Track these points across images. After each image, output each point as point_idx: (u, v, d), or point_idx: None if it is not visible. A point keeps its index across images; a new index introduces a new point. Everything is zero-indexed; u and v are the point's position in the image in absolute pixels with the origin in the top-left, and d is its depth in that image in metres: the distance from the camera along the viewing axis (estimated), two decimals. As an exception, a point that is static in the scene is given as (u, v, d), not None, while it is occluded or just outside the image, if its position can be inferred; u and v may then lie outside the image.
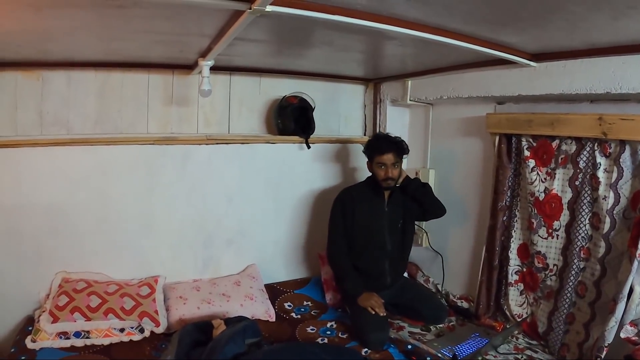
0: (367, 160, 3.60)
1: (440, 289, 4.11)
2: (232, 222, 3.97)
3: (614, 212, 2.81)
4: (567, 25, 2.25)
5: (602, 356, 2.67)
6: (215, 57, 2.93)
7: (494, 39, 2.61)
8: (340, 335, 3.38)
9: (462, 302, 3.89)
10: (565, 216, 3.13)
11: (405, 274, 4.02)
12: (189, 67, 3.57)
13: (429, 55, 3.19)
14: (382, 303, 3.36)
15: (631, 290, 2.62)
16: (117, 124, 3.58)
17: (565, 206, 3.12)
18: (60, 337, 2.99)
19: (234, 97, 3.98)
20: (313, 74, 4.17)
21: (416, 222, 3.93)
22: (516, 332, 3.37)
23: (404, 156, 3.56)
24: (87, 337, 3.04)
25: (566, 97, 2.99)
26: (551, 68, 2.92)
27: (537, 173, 3.23)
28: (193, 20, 2.26)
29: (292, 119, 3.93)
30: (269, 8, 1.85)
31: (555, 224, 3.16)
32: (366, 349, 3.14)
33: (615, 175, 2.78)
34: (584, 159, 2.96)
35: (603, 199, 2.84)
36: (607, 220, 2.82)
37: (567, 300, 3.07)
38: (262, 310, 3.58)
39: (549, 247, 3.21)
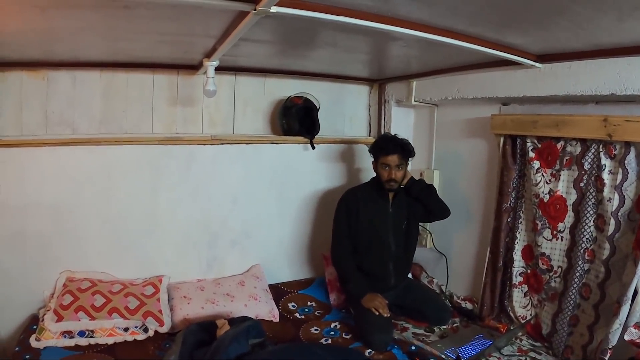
0: (372, 160, 3.60)
1: (444, 290, 4.11)
2: (236, 222, 3.97)
3: (619, 214, 2.80)
4: (572, 27, 2.24)
5: (606, 358, 2.66)
6: (220, 57, 2.93)
7: (498, 40, 2.60)
8: (344, 336, 3.38)
9: (466, 303, 3.89)
10: (569, 218, 3.12)
11: (410, 275, 4.02)
12: (194, 68, 3.57)
13: (433, 56, 3.18)
14: (386, 304, 3.36)
15: (635, 293, 2.61)
16: (122, 124, 3.59)
17: (569, 208, 3.11)
18: (65, 336, 3.00)
19: (239, 97, 3.99)
20: (318, 74, 4.17)
21: (420, 223, 3.92)
22: (520, 333, 3.36)
23: (410, 159, 3.56)
24: (92, 337, 3.05)
25: (571, 99, 2.98)
26: (556, 69, 2.92)
27: (542, 174, 3.22)
28: (198, 21, 2.26)
29: (297, 120, 3.93)
30: (273, 9, 1.85)
31: (560, 225, 3.15)
32: (370, 350, 3.14)
33: (620, 177, 2.76)
34: (589, 160, 2.95)
35: (608, 200, 2.83)
36: (612, 222, 2.81)
37: (571, 302, 3.06)
38: (266, 310, 3.58)
39: (554, 248, 3.21)
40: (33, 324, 3.14)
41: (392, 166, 3.42)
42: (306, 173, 4.21)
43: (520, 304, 3.48)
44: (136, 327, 3.17)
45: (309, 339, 3.33)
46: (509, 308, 3.53)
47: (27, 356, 2.85)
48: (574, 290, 3.04)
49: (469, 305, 3.85)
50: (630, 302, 2.61)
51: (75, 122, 3.45)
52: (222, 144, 3.82)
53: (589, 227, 2.98)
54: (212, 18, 2.21)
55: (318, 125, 4.04)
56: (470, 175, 3.97)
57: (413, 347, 3.19)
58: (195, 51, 3.04)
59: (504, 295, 3.59)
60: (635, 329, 2.62)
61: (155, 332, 3.20)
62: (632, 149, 2.71)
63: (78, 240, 3.42)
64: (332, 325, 3.52)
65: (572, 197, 3.09)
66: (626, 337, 2.62)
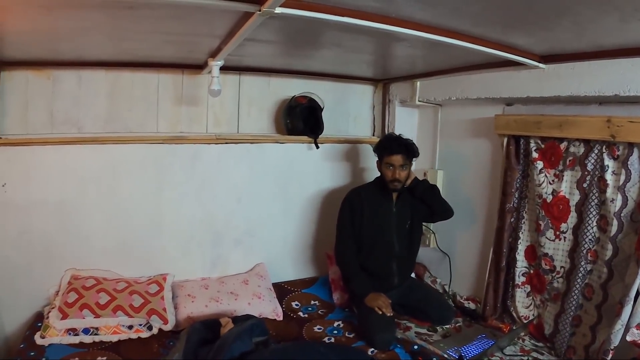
0: (376, 159, 3.61)
1: (447, 290, 4.11)
2: (240, 221, 3.99)
3: (622, 214, 2.80)
4: (576, 27, 2.25)
5: (608, 359, 2.66)
6: (225, 57, 2.93)
7: (502, 41, 2.60)
8: (347, 335, 3.39)
9: (469, 303, 3.89)
10: (572, 218, 3.12)
11: (413, 275, 4.02)
12: (199, 67, 3.57)
13: (437, 56, 3.19)
14: (389, 303, 3.37)
15: (638, 294, 2.61)
16: (127, 123, 3.60)
17: (572, 208, 3.11)
18: (69, 334, 3.02)
19: (244, 97, 3.99)
20: (322, 74, 4.18)
21: (424, 223, 3.92)
22: (522, 333, 3.36)
23: (414, 159, 3.56)
24: (96, 334, 3.06)
25: (575, 99, 2.98)
26: (560, 70, 2.91)
27: (545, 175, 3.23)
28: (203, 21, 2.27)
29: (301, 119, 3.94)
30: (278, 10, 1.86)
31: (563, 226, 3.16)
32: (373, 349, 3.15)
33: (623, 177, 2.77)
34: (592, 161, 2.95)
35: (611, 201, 2.83)
36: (615, 222, 2.81)
37: (574, 302, 3.06)
38: (269, 309, 3.59)
39: (557, 249, 3.21)
40: (38, 321, 3.16)
41: (396, 166, 3.42)
42: (310, 172, 4.22)
43: (523, 304, 3.48)
44: (140, 325, 3.18)
45: (312, 338, 3.34)
46: (512, 308, 3.54)
47: (32, 353, 2.86)
48: (576, 291, 3.05)
49: (472, 305, 3.86)
50: (632, 302, 2.61)
51: (80, 121, 3.47)
52: (226, 143, 3.83)
53: (592, 228, 2.98)
54: (217, 18, 2.22)
55: (322, 124, 4.05)
56: (473, 175, 3.97)
57: (416, 347, 3.19)
58: (200, 51, 3.05)
59: (507, 295, 3.59)
60: (637, 329, 2.62)
61: (160, 330, 3.21)
62: (636, 150, 2.71)
63: (83, 239, 3.44)
64: (336, 324, 3.53)
65: (575, 198, 3.09)
66: (628, 338, 2.63)
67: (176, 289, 3.54)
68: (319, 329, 3.46)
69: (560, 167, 3.14)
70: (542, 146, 3.25)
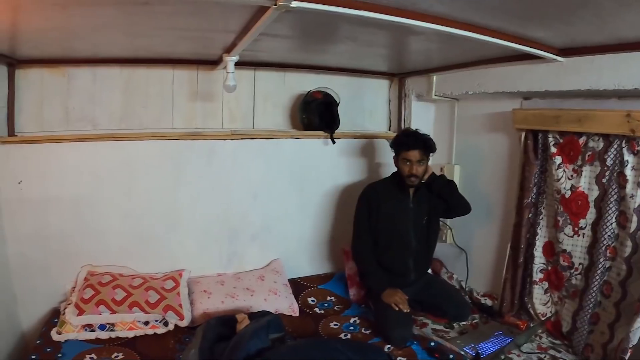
0: (393, 154, 3.59)
1: (464, 286, 4.09)
2: (256, 217, 3.99)
3: (642, 211, 2.77)
4: (596, 20, 2.21)
5: (626, 358, 2.63)
6: (240, 52, 2.93)
7: (520, 34, 2.57)
8: (363, 331, 3.38)
9: (486, 299, 3.87)
10: (591, 214, 3.08)
11: (430, 271, 4.01)
12: (214, 63, 3.57)
13: (454, 50, 3.15)
14: (406, 299, 3.36)
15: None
16: (143, 119, 3.61)
17: (591, 204, 3.07)
18: (86, 330, 3.04)
19: (259, 92, 3.99)
20: (338, 69, 4.16)
21: (441, 219, 3.90)
22: (540, 331, 3.34)
23: (431, 154, 3.54)
24: (112, 330, 3.08)
25: (594, 93, 2.94)
26: (579, 63, 2.87)
27: (564, 170, 3.19)
28: (218, 16, 2.26)
29: (317, 114, 3.93)
30: (294, 4, 1.85)
31: (582, 222, 3.11)
32: (389, 346, 3.14)
33: (643, 173, 2.73)
34: (612, 156, 2.90)
35: (630, 197, 2.79)
36: (635, 219, 2.77)
37: (592, 299, 3.02)
38: (285, 305, 3.59)
39: (575, 245, 3.17)
40: (54, 317, 3.19)
41: (414, 161, 3.40)
42: (326, 168, 4.21)
43: (541, 301, 3.45)
44: (156, 321, 3.20)
45: (329, 334, 3.34)
46: (529, 305, 3.50)
47: (49, 349, 2.88)
48: (595, 288, 3.01)
49: (489, 302, 3.83)
50: (652, 300, 2.59)
51: (95, 118, 3.49)
52: (242, 139, 3.83)
53: (611, 224, 2.93)
54: (232, 13, 2.21)
55: (338, 119, 4.04)
56: (491, 170, 3.94)
57: (432, 343, 3.18)
58: (215, 46, 3.05)
59: (524, 292, 3.56)
60: (657, 327, 2.60)
61: (176, 326, 3.22)
62: (656, 145, 2.67)
63: (99, 235, 3.46)
64: (352, 320, 3.53)
65: (594, 194, 3.05)
66: (647, 336, 2.60)
67: (192, 285, 3.54)
68: (335, 325, 3.46)
69: (579, 162, 3.10)
70: (561, 141, 3.20)
